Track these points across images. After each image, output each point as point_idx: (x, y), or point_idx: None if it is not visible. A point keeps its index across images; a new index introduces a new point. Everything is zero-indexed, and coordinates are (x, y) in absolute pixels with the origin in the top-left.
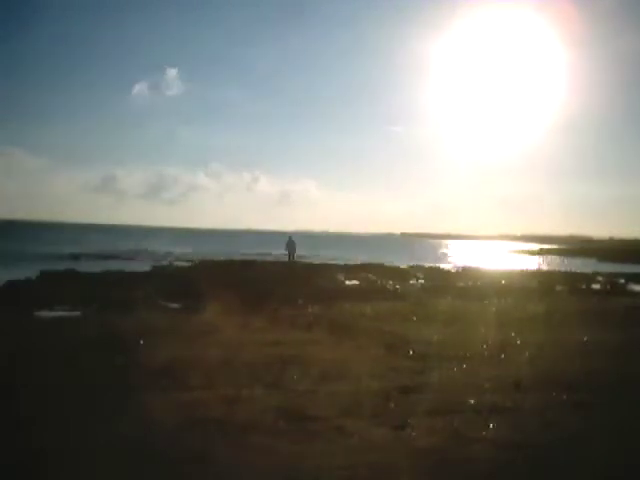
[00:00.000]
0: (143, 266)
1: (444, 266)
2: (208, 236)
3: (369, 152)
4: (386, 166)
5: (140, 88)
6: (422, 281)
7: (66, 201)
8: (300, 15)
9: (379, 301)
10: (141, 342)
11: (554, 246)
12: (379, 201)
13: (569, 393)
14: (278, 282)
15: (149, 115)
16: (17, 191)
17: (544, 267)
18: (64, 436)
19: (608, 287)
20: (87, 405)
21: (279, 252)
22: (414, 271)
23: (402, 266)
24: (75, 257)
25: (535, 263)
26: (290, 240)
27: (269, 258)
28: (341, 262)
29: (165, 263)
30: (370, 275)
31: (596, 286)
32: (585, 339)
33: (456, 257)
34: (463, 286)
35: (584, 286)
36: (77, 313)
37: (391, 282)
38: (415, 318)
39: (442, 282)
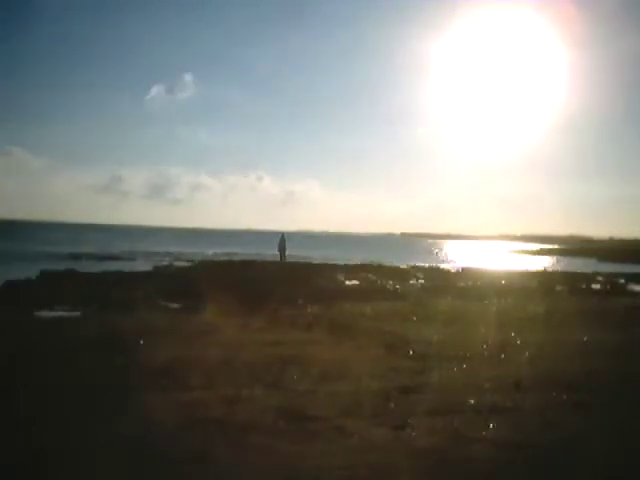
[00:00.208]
0: (143, 266)
1: (444, 266)
2: (209, 236)
3: (369, 152)
4: (386, 166)
5: (141, 89)
6: (422, 281)
7: (68, 201)
8: (300, 15)
9: (379, 301)
10: (141, 342)
11: (554, 246)
12: (379, 201)
13: (569, 393)
14: (278, 282)
15: (150, 116)
16: (19, 191)
17: (544, 267)
18: (64, 436)
19: (608, 287)
20: (87, 405)
21: (271, 252)
22: (414, 271)
23: (402, 266)
24: (75, 257)
25: (535, 263)
26: (282, 238)
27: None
28: (341, 262)
29: (165, 263)
30: (370, 275)
31: (596, 286)
32: (585, 339)
33: (456, 257)
34: (463, 286)
35: (584, 286)
36: (77, 313)
37: (391, 282)
38: (415, 318)
39: (442, 282)
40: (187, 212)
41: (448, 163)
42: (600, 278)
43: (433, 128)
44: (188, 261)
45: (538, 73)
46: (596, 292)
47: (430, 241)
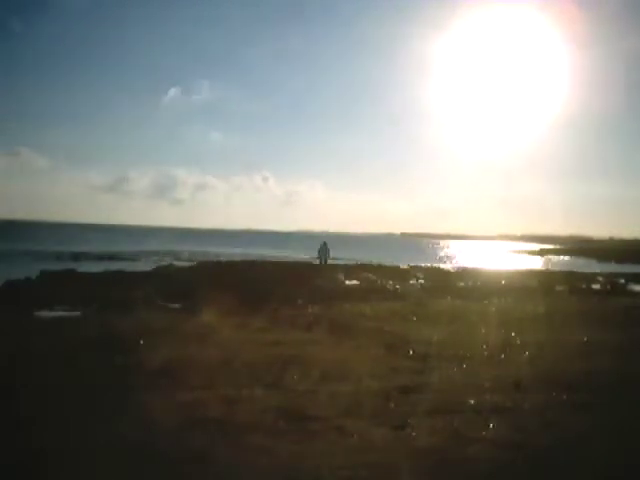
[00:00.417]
0: (143, 266)
1: (444, 266)
2: (212, 236)
3: (370, 152)
4: (387, 166)
5: (144, 90)
6: (422, 281)
7: (72, 201)
8: (301, 15)
9: (379, 301)
10: (141, 342)
11: (554, 246)
12: (379, 201)
13: (569, 393)
14: (278, 282)
15: (152, 116)
16: (24, 191)
17: (544, 267)
18: (64, 436)
19: (608, 287)
20: (87, 405)
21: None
22: (414, 271)
23: (402, 266)
24: (75, 257)
25: (535, 263)
26: (324, 246)
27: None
28: (341, 262)
29: (165, 263)
30: (370, 275)
31: (596, 286)
32: (585, 339)
33: (456, 257)
34: (463, 286)
35: (584, 286)
36: (77, 313)
37: (391, 282)
38: (415, 318)
39: (442, 282)
40: (188, 212)
41: (448, 163)
42: (600, 278)
43: (433, 128)
44: (188, 261)
45: (539, 73)
46: (596, 292)
47: (430, 241)
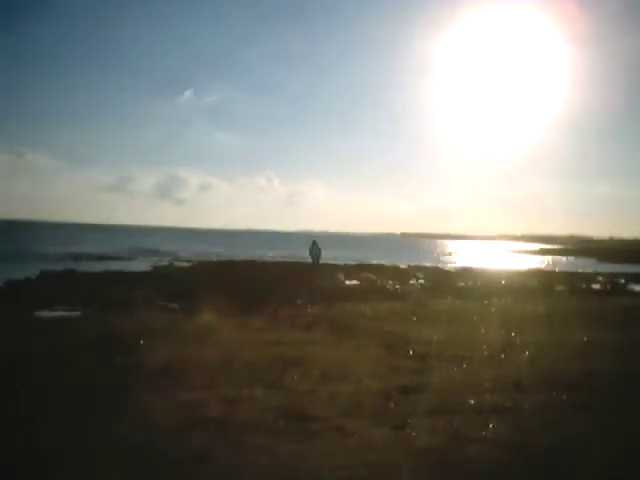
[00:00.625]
0: (143, 266)
1: (444, 266)
2: (214, 236)
3: (370, 153)
4: (387, 166)
5: (145, 89)
6: (422, 281)
7: (72, 201)
8: (301, 15)
9: (379, 301)
10: (141, 342)
11: (554, 246)
12: (379, 201)
13: (569, 393)
14: (278, 282)
15: (154, 117)
16: (24, 191)
17: (544, 267)
18: (64, 436)
19: (608, 287)
20: (87, 405)
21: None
22: (414, 271)
23: (402, 266)
24: (75, 257)
25: (535, 263)
26: (314, 244)
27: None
28: (341, 262)
29: (165, 263)
30: (370, 275)
31: (596, 286)
32: (585, 339)
33: (456, 257)
34: (463, 286)
35: (584, 286)
36: (77, 313)
37: (391, 282)
38: (415, 318)
39: (442, 282)
40: (190, 212)
41: (449, 163)
42: (600, 278)
43: (434, 128)
44: (188, 261)
45: (540, 73)
46: (596, 292)
47: (430, 241)
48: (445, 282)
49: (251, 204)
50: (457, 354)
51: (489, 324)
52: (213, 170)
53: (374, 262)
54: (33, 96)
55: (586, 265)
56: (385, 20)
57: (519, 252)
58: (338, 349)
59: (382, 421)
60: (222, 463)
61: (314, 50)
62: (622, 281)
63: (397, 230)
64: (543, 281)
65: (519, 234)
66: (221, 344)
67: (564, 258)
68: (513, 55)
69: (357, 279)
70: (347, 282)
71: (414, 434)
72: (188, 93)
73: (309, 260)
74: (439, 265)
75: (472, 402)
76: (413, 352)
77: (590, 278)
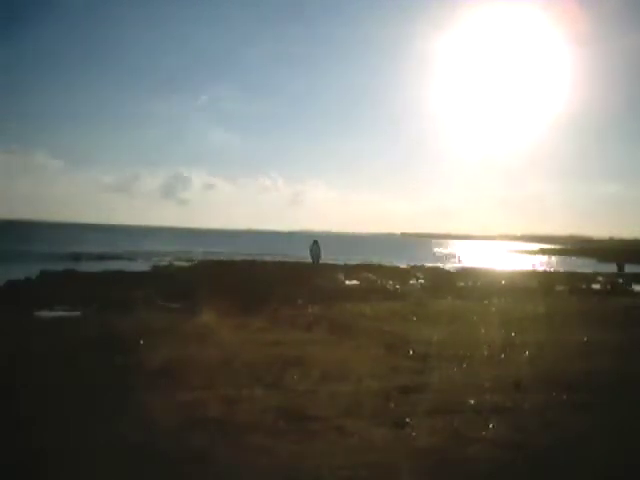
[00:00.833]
0: (143, 266)
1: (444, 266)
2: (215, 236)
3: (370, 153)
4: (387, 167)
5: (146, 90)
6: (422, 281)
7: (73, 201)
8: (301, 15)
9: (379, 301)
10: (141, 342)
11: (554, 246)
12: (380, 201)
13: (569, 393)
14: (278, 282)
15: (154, 117)
16: (25, 191)
17: (544, 267)
18: (64, 436)
19: (608, 287)
20: (87, 405)
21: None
22: (414, 271)
23: (402, 266)
24: (75, 257)
25: (535, 263)
26: (315, 244)
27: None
28: (341, 262)
29: (165, 263)
30: (370, 275)
31: (596, 286)
32: (585, 339)
33: (456, 257)
34: (463, 286)
35: (584, 286)
36: (77, 313)
37: (391, 282)
38: (415, 318)
39: (442, 282)
40: (191, 213)
41: (449, 163)
42: (600, 278)
43: (434, 128)
44: (188, 261)
45: (540, 73)
46: (596, 292)
47: (431, 241)
48: (445, 282)
49: (251, 204)
50: (457, 354)
51: (489, 324)
52: (214, 170)
53: (374, 262)
54: (33, 96)
55: (586, 265)
56: (385, 20)
57: (519, 252)
58: (338, 349)
59: (382, 421)
60: (222, 463)
61: (314, 50)
62: (622, 281)
63: (397, 230)
64: (543, 281)
65: (519, 234)
66: (221, 344)
67: (564, 258)
68: (513, 55)
69: (357, 279)
70: (347, 282)
71: (414, 434)
72: (188, 93)
73: (309, 260)
74: (439, 265)
75: (472, 402)
76: (413, 352)
77: (590, 278)
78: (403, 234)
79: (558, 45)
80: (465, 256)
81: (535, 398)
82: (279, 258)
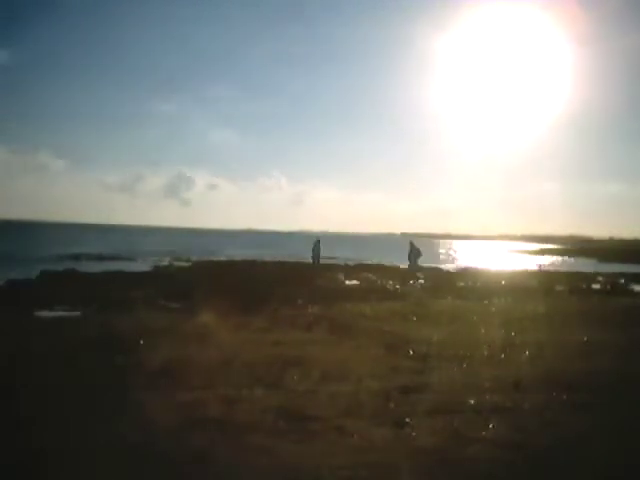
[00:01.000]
0: (143, 266)
1: (444, 266)
2: (215, 236)
3: (371, 153)
4: (387, 166)
5: (147, 90)
6: (422, 281)
7: (74, 201)
8: (301, 15)
9: (379, 301)
10: (141, 342)
11: (554, 246)
12: (380, 201)
13: (569, 393)
14: (278, 282)
15: (155, 117)
16: (26, 191)
17: (544, 267)
18: (64, 436)
19: (608, 287)
20: (87, 405)
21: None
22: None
23: (402, 266)
24: (75, 257)
25: (535, 263)
26: (316, 243)
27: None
28: (341, 262)
29: (165, 263)
30: (370, 275)
31: (596, 286)
32: (585, 339)
33: (456, 257)
34: (463, 286)
35: (584, 286)
36: (77, 313)
37: (391, 282)
38: (415, 318)
39: (442, 282)
40: (191, 213)
41: (449, 163)
42: (600, 278)
43: (435, 129)
44: (188, 261)
45: (540, 73)
46: (596, 292)
47: (431, 241)
48: (445, 282)
49: (252, 204)
50: (457, 354)
51: (489, 324)
52: (216, 170)
53: (374, 262)
54: (35, 96)
55: (586, 265)
56: (386, 20)
57: (519, 252)
58: (338, 349)
59: (382, 421)
60: (222, 463)
61: (315, 50)
62: (622, 281)
63: (397, 230)
64: (543, 281)
65: (519, 234)
66: (221, 344)
67: (564, 258)
68: (514, 55)
69: (357, 279)
70: (347, 282)
71: (414, 434)
72: (189, 93)
73: (309, 260)
74: (439, 265)
75: (472, 402)
76: (413, 352)
77: (590, 278)
78: (403, 234)
79: (559, 45)
80: (465, 256)
81: (535, 398)
82: (279, 258)
